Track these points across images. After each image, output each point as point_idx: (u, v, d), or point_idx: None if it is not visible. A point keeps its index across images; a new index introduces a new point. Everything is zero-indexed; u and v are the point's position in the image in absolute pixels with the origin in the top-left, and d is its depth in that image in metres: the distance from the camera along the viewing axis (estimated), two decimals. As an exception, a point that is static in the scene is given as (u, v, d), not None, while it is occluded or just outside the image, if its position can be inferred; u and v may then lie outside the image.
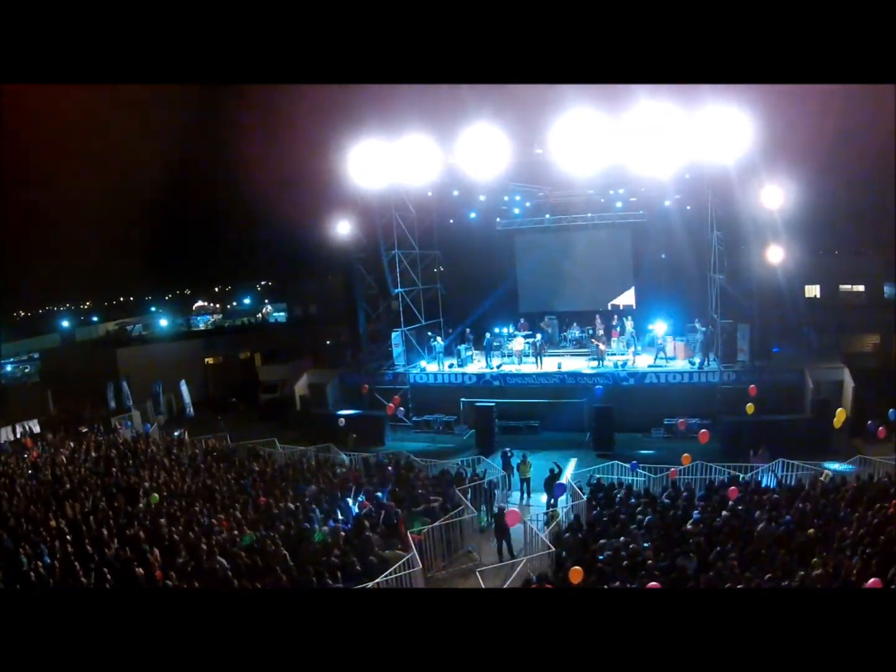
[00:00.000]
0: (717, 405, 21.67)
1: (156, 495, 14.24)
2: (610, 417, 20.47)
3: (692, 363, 22.67)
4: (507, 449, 17.96)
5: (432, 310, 27.45)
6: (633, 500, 13.71)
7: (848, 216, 36.57)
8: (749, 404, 18.13)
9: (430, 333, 26.19)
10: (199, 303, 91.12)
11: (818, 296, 34.61)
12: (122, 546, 11.91)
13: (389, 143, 21.40)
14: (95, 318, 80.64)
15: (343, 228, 23.44)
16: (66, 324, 69.83)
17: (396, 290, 24.70)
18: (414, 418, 24.17)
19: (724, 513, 12.29)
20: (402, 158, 21.17)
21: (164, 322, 65.93)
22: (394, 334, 24.75)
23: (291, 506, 13.90)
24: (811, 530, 10.97)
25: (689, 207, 25.41)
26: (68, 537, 12.19)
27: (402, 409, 22.59)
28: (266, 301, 79.88)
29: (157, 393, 26.53)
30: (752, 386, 19.48)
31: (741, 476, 15.63)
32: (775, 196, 20.55)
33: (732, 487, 12.53)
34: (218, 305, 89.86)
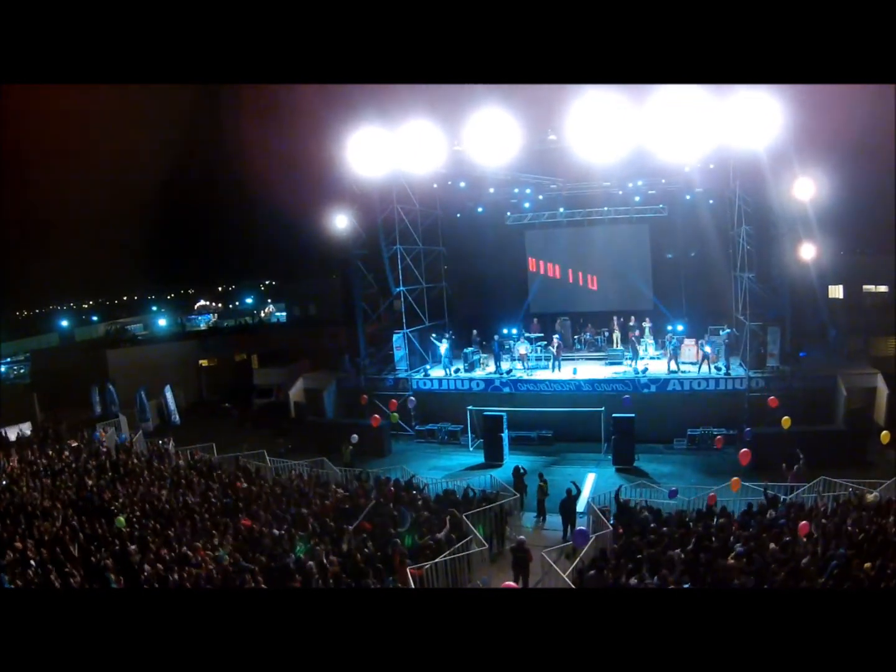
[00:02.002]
0: (744, 414, 20.16)
1: (121, 518, 12.71)
2: (631, 428, 18.80)
3: (718, 369, 20.98)
4: (521, 466, 16.28)
5: (437, 310, 25.81)
6: (664, 529, 12.06)
7: (872, 213, 34.96)
8: (785, 418, 16.47)
9: (434, 335, 24.57)
10: (202, 302, 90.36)
11: (841, 296, 33.10)
12: (87, 575, 10.64)
13: (391, 129, 19.71)
14: (95, 318, 79.78)
15: (341, 222, 21.76)
16: (65, 323, 68.72)
17: (398, 289, 23.01)
18: (417, 427, 22.53)
19: (772, 546, 10.66)
20: (405, 147, 19.48)
21: (162, 322, 64.64)
22: (395, 336, 23.04)
23: (277, 532, 12.32)
24: (868, 565, 9.41)
25: (711, 201, 24.24)
26: (32, 563, 10.89)
27: (413, 400, 21.26)
28: (269, 300, 78.79)
29: (141, 399, 24.86)
30: (773, 398, 17.83)
31: (782, 497, 13.97)
32: (807, 188, 18.90)
33: (803, 523, 10.84)
34: (220, 305, 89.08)
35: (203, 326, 66.37)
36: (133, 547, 11.64)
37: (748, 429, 18.10)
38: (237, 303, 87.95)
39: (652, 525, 12.28)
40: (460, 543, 11.67)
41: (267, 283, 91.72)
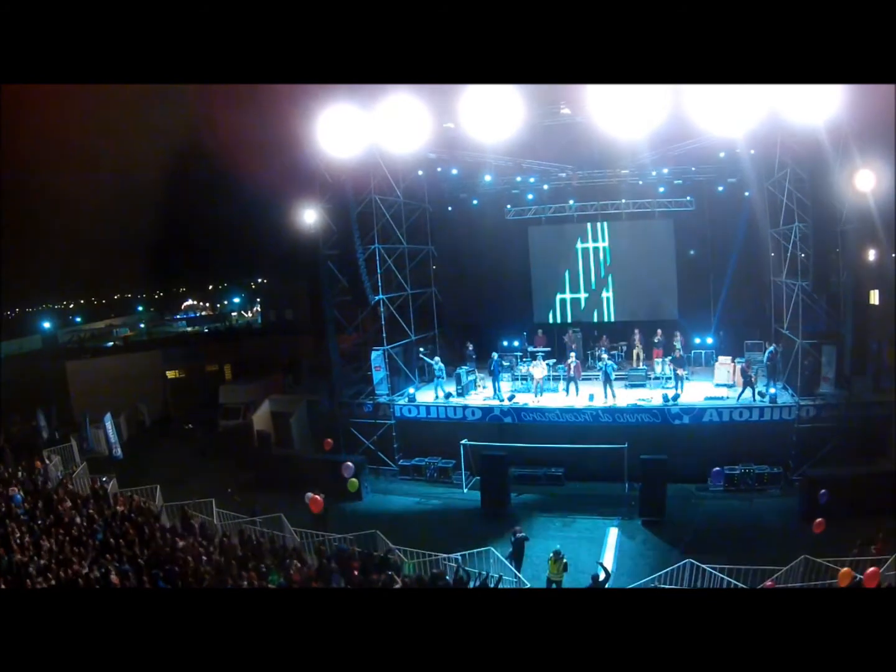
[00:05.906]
0: (791, 449, 17.04)
1: None
2: (663, 471, 15.44)
3: (762, 395, 17.57)
4: (518, 529, 12.83)
5: (425, 321, 22.53)
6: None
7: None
8: None
9: (421, 351, 21.17)
10: (189, 301, 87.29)
11: (877, 302, 29.79)
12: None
13: (368, 104, 16.33)
14: (79, 319, 76.86)
15: (309, 217, 18.34)
16: (47, 325, 65.58)
17: (377, 297, 19.58)
18: (401, 462, 19.10)
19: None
20: (385, 125, 16.13)
21: (142, 325, 61.42)
22: (374, 354, 19.59)
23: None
24: None
25: (747, 193, 21.13)
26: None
27: (350, 467, 16.63)
28: (258, 300, 75.59)
29: (85, 424, 21.43)
30: None
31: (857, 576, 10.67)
32: (868, 178, 15.62)
33: None
34: (207, 304, 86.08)
35: (189, 329, 63.22)
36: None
37: (823, 491, 14.52)
38: (225, 302, 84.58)
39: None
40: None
41: (259, 281, 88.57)
